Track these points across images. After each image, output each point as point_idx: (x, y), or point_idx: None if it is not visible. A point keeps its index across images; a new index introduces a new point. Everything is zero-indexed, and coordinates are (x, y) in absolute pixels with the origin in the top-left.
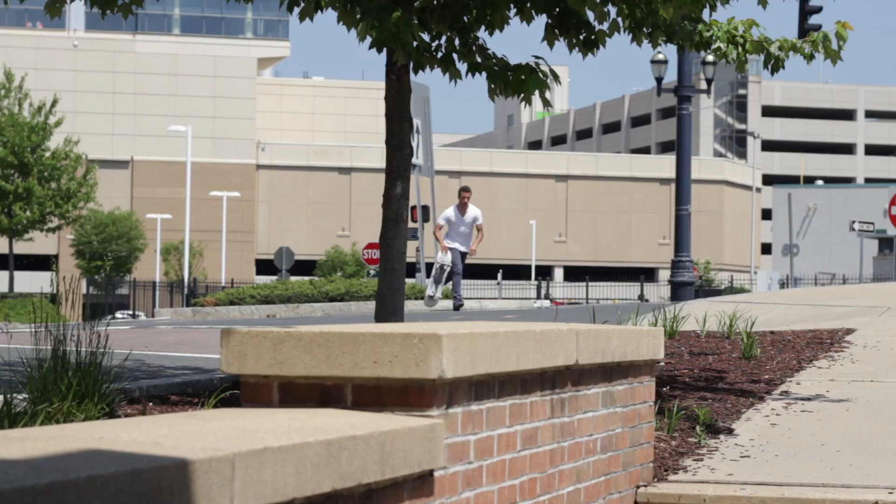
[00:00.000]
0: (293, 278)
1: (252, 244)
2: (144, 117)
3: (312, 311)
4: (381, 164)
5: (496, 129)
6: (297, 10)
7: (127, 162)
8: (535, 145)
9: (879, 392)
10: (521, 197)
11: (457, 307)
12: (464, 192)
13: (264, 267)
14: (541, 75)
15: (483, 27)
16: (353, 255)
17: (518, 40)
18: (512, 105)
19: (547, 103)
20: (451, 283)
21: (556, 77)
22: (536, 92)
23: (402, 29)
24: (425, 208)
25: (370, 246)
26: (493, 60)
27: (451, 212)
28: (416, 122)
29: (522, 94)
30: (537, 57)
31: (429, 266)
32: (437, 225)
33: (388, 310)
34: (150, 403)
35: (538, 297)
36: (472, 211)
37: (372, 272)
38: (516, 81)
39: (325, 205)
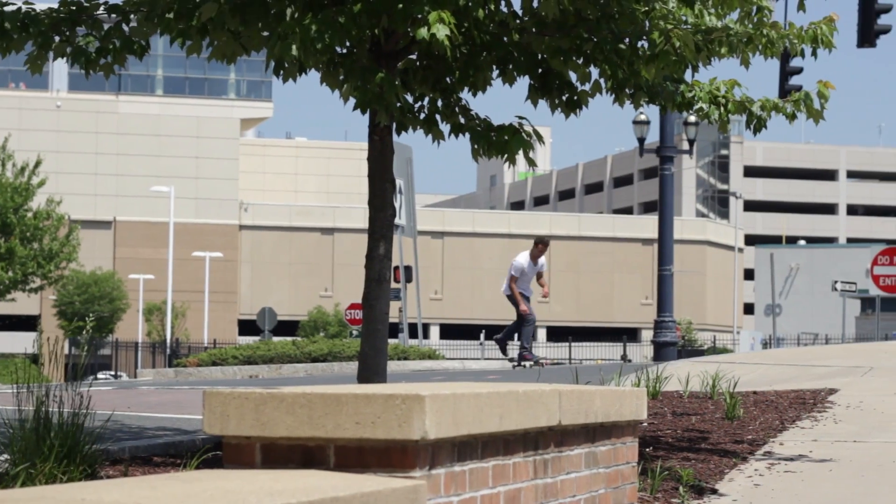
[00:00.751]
0: (276, 339)
1: (235, 304)
2: (127, 178)
3: (295, 371)
4: (364, 224)
5: (479, 190)
6: (280, 71)
7: (109, 222)
8: (518, 206)
9: (863, 452)
10: (504, 257)
11: (523, 363)
12: (543, 245)
13: (247, 327)
14: (524, 135)
15: (466, 88)
16: (336, 316)
17: (501, 101)
18: (495, 165)
19: (531, 163)
20: (516, 334)
21: (539, 137)
22: (520, 152)
23: (386, 90)
24: (408, 269)
25: (353, 306)
26: (477, 121)
27: (524, 262)
28: (399, 182)
29: (506, 155)
30: (520, 117)
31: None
32: (513, 278)
33: (371, 370)
34: (133, 464)
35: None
36: (541, 259)
37: (355, 332)
38: (500, 142)
39: (308, 265)
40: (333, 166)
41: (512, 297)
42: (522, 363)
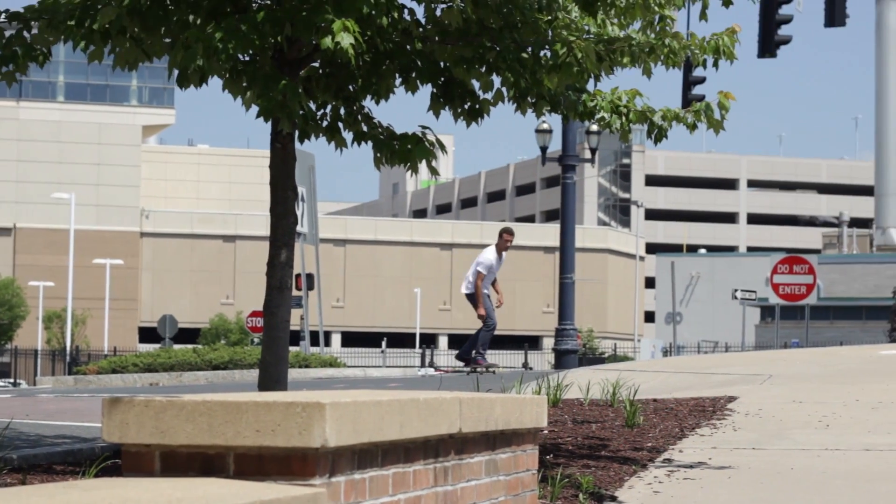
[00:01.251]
0: (177, 346)
1: (136, 312)
2: (28, 184)
3: (196, 379)
4: (266, 231)
5: (381, 198)
6: (183, 79)
7: (9, 229)
8: (421, 213)
9: (761, 460)
10: (406, 265)
11: (476, 368)
12: (508, 234)
13: (148, 335)
14: (427, 144)
15: (369, 96)
16: (238, 323)
17: (404, 110)
18: (397, 173)
19: (434, 172)
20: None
21: (442, 146)
22: (423, 160)
23: (289, 98)
24: (310, 276)
25: (254, 314)
26: (380, 129)
27: (492, 257)
28: (301, 190)
29: (409, 163)
30: (424, 126)
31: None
32: (480, 275)
33: (272, 378)
34: (32, 473)
35: (423, 366)
36: (504, 254)
37: (256, 340)
38: (403, 150)
39: (210, 273)
40: (235, 174)
41: (473, 297)
42: (476, 368)
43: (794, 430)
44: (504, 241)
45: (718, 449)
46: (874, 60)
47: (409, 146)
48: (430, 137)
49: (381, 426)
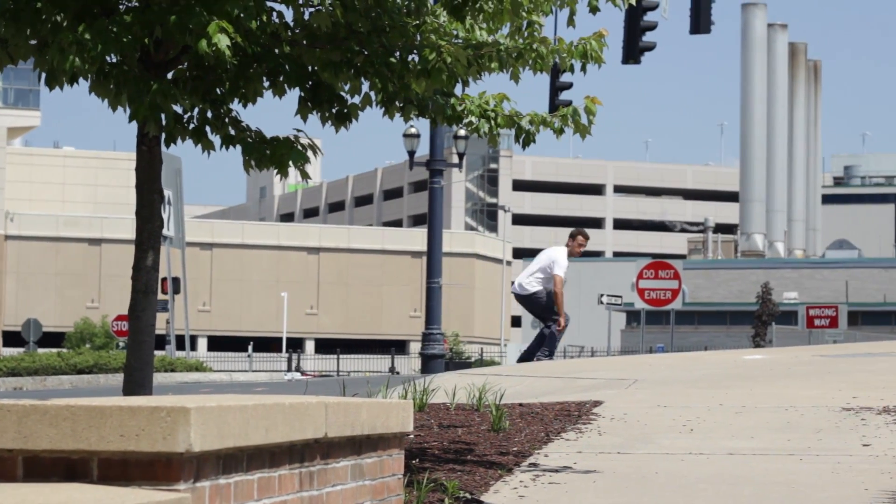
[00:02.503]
0: (41, 350)
1: None
2: None
3: (60, 383)
4: (132, 235)
5: (249, 201)
6: (52, 80)
7: None
8: (288, 217)
9: (626, 464)
10: (273, 269)
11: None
12: (585, 238)
13: (11, 339)
14: (300, 148)
15: (237, 100)
16: (103, 327)
17: (273, 112)
18: (265, 177)
19: (305, 175)
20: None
21: (314, 150)
22: (295, 164)
23: (159, 101)
24: (176, 280)
25: (120, 318)
26: (248, 133)
27: (564, 261)
28: (168, 193)
29: (280, 167)
30: (298, 130)
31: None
32: (560, 279)
33: (137, 383)
34: None
35: (289, 370)
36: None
37: (121, 344)
38: (275, 154)
39: (75, 276)
40: (101, 176)
41: (532, 299)
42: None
43: (659, 434)
44: (578, 245)
45: (584, 453)
46: (740, 67)
47: (282, 151)
48: (304, 141)
49: (246, 431)
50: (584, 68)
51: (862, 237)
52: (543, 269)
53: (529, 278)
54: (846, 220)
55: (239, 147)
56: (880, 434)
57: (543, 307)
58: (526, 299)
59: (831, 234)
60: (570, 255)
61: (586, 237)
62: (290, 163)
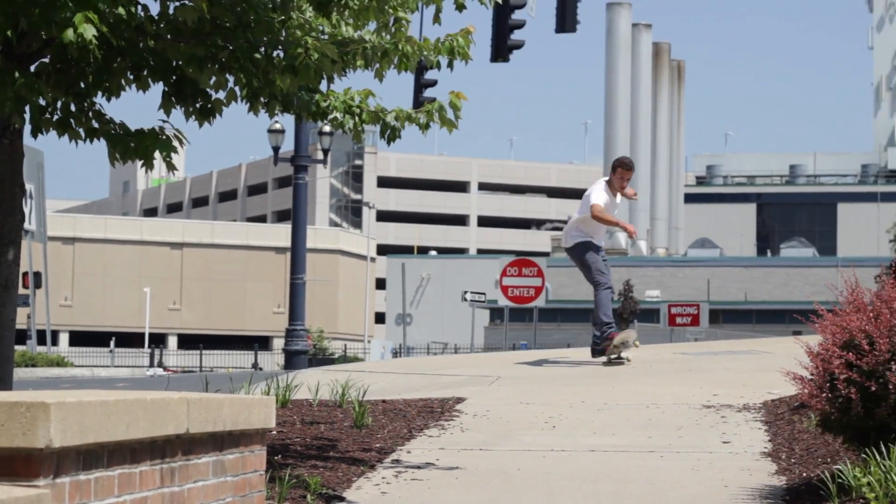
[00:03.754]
0: None
1: None
2: None
3: None
4: None
5: (112, 196)
6: None
7: None
8: (151, 212)
9: (488, 460)
10: (136, 264)
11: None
12: (625, 169)
13: None
14: (167, 139)
15: (100, 93)
16: None
17: (138, 106)
18: (128, 171)
19: (171, 167)
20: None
21: (181, 141)
22: (160, 156)
23: (24, 93)
24: (37, 274)
25: None
26: (113, 125)
27: (604, 192)
28: (29, 187)
29: (146, 159)
30: (164, 120)
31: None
32: (600, 206)
33: None
34: None
35: (151, 366)
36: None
37: None
38: (140, 146)
39: None
40: None
41: (576, 249)
42: (611, 355)
43: (521, 431)
44: (619, 178)
45: (446, 450)
46: (604, 66)
47: (148, 142)
48: (170, 132)
49: (107, 426)
50: (451, 65)
51: (724, 236)
52: (581, 211)
53: (569, 228)
54: (708, 219)
55: (103, 140)
56: (740, 431)
57: (582, 264)
58: (569, 253)
59: (694, 232)
60: (612, 188)
61: (628, 167)
62: (157, 153)
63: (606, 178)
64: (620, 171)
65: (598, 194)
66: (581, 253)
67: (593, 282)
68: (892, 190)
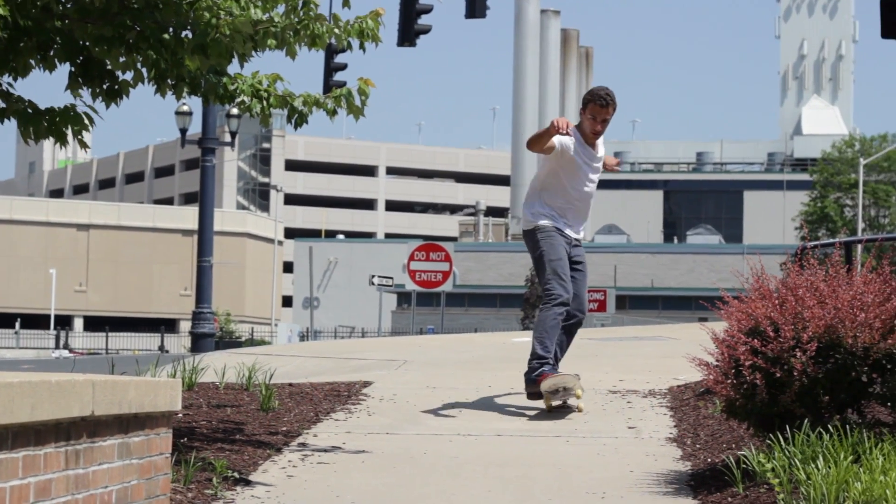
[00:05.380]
0: None
1: None
2: None
3: None
4: None
5: (17, 177)
6: None
7: None
8: (58, 193)
9: (395, 444)
10: (42, 245)
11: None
12: (596, 103)
13: None
14: (81, 117)
15: (7, 73)
16: None
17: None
18: (34, 152)
19: (84, 145)
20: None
21: (90, 119)
22: (72, 134)
23: None
24: None
25: None
26: (23, 104)
27: (568, 140)
28: None
29: (59, 136)
30: (76, 95)
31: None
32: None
33: None
34: None
35: (57, 348)
36: (602, 149)
37: None
38: (52, 123)
39: None
40: None
41: (538, 259)
42: (552, 402)
43: (428, 415)
44: (589, 118)
45: (353, 434)
46: (513, 52)
47: (61, 119)
48: (81, 109)
49: (11, 408)
50: (361, 46)
51: (631, 223)
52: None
53: (528, 198)
54: (615, 205)
55: (14, 119)
56: (646, 417)
57: (534, 259)
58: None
59: (600, 218)
60: (584, 134)
61: (603, 102)
62: (69, 130)
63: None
64: (592, 108)
65: (561, 137)
66: (535, 242)
67: (542, 290)
68: (798, 178)
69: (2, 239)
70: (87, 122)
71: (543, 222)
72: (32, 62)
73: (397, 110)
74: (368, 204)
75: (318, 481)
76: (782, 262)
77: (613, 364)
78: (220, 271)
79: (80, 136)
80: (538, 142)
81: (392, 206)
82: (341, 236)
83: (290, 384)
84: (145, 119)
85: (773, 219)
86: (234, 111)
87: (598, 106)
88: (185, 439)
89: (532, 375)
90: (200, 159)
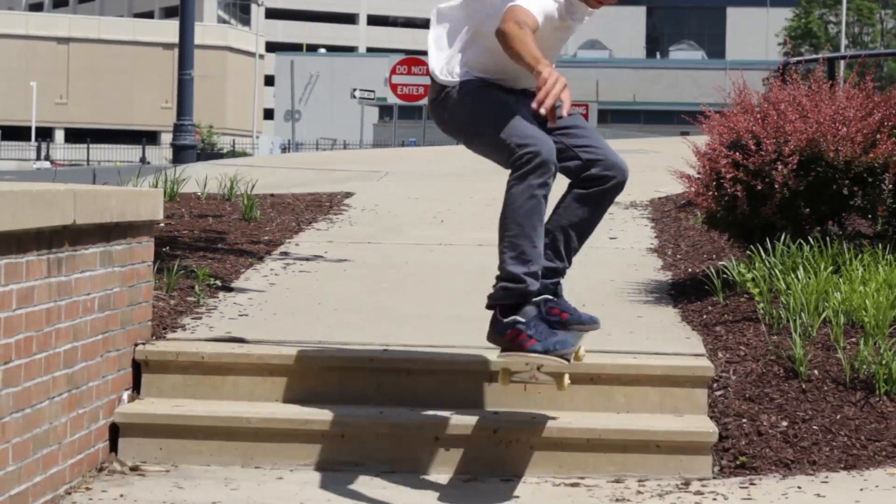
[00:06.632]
0: None
1: None
2: None
3: None
4: None
5: None
6: None
7: None
8: (37, 7)
9: (376, 253)
10: (22, 59)
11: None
12: None
13: None
14: None
15: None
16: None
17: None
18: None
19: None
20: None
21: None
22: None
23: None
24: None
25: None
26: None
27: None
28: None
29: None
30: None
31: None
32: (519, 22)
33: None
34: None
35: (38, 159)
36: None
37: None
38: None
39: None
40: None
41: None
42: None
43: (410, 225)
44: None
45: (335, 243)
46: None
47: None
48: None
49: None
50: None
51: (613, 38)
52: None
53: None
54: (597, 20)
55: None
56: (626, 228)
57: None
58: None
59: (583, 33)
60: None
61: None
62: None
63: None
64: None
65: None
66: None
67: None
68: None
69: None
70: None
71: (472, 77)
72: None
73: None
74: (350, 18)
75: (300, 288)
76: (765, 77)
77: None
78: (201, 85)
79: None
80: (517, 56)
81: (374, 20)
82: (323, 50)
83: (272, 195)
84: None
85: (756, 35)
86: None
87: None
88: (168, 248)
89: (504, 321)
90: None
